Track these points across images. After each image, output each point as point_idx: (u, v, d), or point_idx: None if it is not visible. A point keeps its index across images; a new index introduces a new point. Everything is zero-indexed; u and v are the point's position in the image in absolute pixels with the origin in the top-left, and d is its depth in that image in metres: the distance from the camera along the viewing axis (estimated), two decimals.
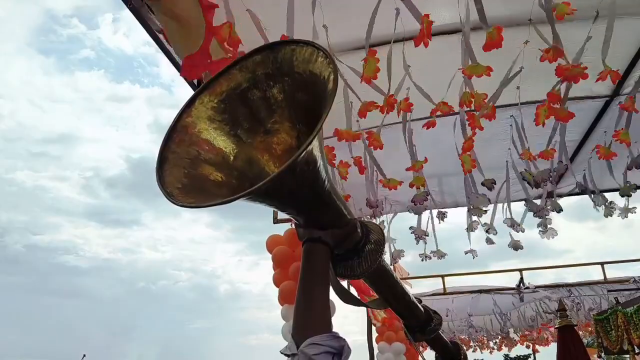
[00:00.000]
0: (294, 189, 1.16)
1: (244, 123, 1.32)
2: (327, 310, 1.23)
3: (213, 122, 1.30)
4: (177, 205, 1.08)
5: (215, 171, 1.25)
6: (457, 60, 2.65)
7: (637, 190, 3.83)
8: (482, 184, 3.54)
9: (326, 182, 1.23)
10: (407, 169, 3.31)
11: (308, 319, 1.21)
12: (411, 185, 3.46)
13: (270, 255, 5.36)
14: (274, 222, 5.22)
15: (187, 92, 2.66)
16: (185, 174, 1.20)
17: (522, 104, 3.09)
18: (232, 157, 1.30)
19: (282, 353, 1.22)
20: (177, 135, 1.25)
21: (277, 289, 5.17)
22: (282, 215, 5.19)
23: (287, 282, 4.94)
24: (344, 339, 1.15)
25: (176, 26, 2.16)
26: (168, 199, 1.10)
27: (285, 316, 4.92)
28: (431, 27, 2.35)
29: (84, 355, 11.74)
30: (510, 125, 3.45)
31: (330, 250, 1.33)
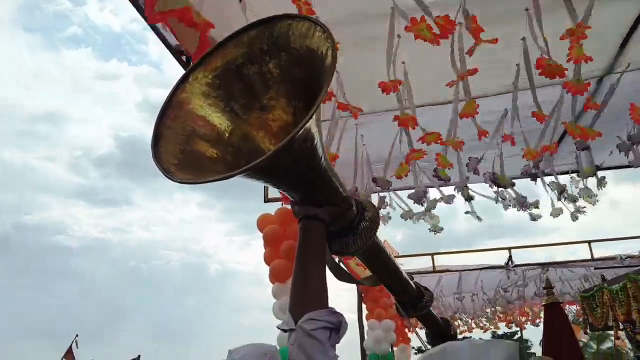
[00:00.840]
0: (291, 166, 1.16)
1: (239, 99, 1.31)
2: (324, 286, 1.24)
3: (208, 98, 1.28)
4: (175, 181, 1.08)
5: (210, 147, 1.24)
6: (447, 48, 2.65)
7: (599, 171, 3.84)
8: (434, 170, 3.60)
9: (322, 159, 1.23)
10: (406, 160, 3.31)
11: (305, 295, 1.22)
12: (398, 177, 3.50)
13: (261, 235, 5.38)
14: (265, 201, 5.22)
15: (176, 70, 2.63)
16: (181, 150, 1.18)
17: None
18: (227, 134, 1.28)
19: (279, 328, 1.23)
20: (171, 111, 1.23)
21: (267, 268, 5.19)
22: (273, 194, 5.19)
23: (278, 260, 4.96)
24: (342, 314, 1.16)
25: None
26: (165, 175, 1.09)
27: (276, 294, 4.94)
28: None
29: (77, 336, 11.81)
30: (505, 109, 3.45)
31: (326, 228, 1.34)
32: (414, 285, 2.25)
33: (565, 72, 2.52)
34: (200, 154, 1.22)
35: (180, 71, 2.85)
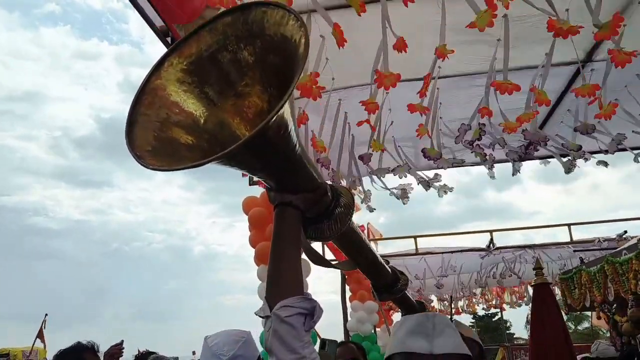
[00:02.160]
0: (265, 153, 1.17)
1: (215, 86, 1.30)
2: (298, 273, 1.27)
3: (183, 84, 1.28)
4: (148, 168, 1.08)
5: (185, 134, 1.24)
6: (434, 22, 2.64)
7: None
8: (422, 151, 3.63)
9: (297, 146, 1.24)
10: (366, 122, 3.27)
11: (280, 282, 1.24)
12: (371, 149, 3.49)
13: (245, 217, 5.39)
14: (250, 184, 5.22)
15: (158, 50, 2.58)
16: (155, 136, 1.18)
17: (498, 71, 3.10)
18: (202, 120, 1.28)
19: (256, 315, 1.25)
20: (146, 98, 1.23)
21: (252, 251, 5.21)
22: None
23: (264, 242, 4.98)
24: (315, 301, 1.19)
25: None
26: (138, 161, 1.09)
27: (262, 276, 4.97)
28: None
29: (46, 315, 11.88)
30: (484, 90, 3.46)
31: (301, 214, 1.36)
32: (389, 270, 2.30)
33: (579, 30, 2.45)
34: (175, 141, 1.22)
35: (163, 50, 2.83)
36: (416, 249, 9.00)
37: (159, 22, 2.67)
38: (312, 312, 1.18)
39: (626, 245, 5.50)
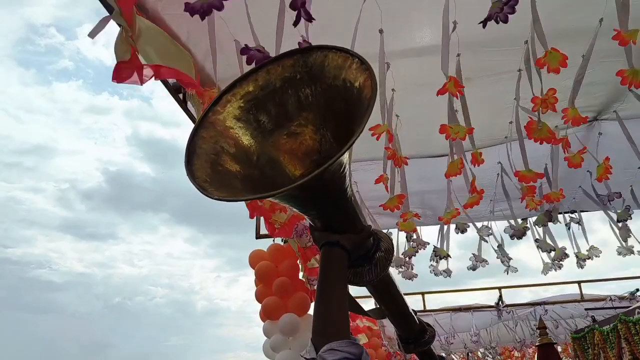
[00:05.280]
0: (321, 192, 1.18)
1: (269, 123, 1.33)
2: (345, 316, 1.25)
3: (239, 120, 1.31)
4: (211, 197, 1.09)
5: (238, 167, 1.26)
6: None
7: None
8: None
9: (349, 187, 1.25)
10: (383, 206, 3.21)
11: (327, 324, 1.22)
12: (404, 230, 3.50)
13: (250, 271, 5.31)
14: (257, 238, 5.19)
15: (167, 105, 2.64)
16: (212, 168, 1.21)
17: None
18: (254, 155, 1.31)
19: (302, 356, 1.23)
20: (203, 131, 1.26)
21: (257, 306, 5.11)
22: (264, 230, 5.16)
23: (270, 298, 4.89)
24: (362, 346, 1.16)
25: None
26: (201, 191, 1.11)
27: (268, 332, 4.85)
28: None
29: None
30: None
31: (348, 255, 1.34)
32: (417, 321, 2.24)
33: (554, 135, 2.42)
34: (229, 173, 1.24)
35: (174, 107, 2.89)
36: (424, 305, 8.84)
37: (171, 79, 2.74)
38: (359, 357, 1.14)
39: (639, 304, 5.39)
